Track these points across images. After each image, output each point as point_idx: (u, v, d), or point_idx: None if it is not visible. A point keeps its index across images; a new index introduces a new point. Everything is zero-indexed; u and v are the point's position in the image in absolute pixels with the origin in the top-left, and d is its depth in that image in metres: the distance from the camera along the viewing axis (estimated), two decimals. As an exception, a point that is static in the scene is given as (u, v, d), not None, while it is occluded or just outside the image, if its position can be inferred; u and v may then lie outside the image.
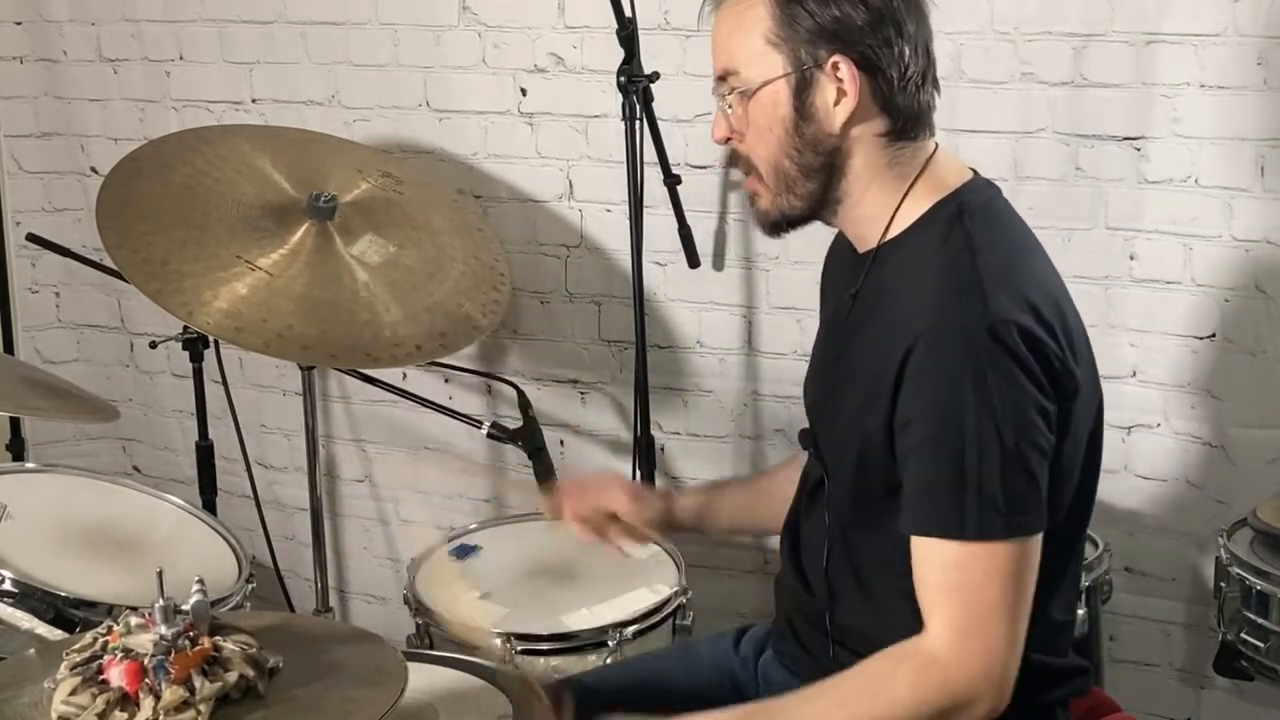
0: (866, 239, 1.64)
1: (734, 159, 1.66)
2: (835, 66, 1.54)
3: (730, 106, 1.61)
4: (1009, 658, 1.48)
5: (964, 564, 1.47)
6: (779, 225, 1.65)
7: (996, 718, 1.50)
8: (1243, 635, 2.17)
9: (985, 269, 1.50)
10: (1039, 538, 1.49)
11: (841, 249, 1.74)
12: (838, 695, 1.53)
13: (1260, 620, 2.14)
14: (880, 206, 1.61)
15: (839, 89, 1.55)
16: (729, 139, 1.64)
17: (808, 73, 1.55)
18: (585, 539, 1.95)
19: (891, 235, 1.60)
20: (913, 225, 1.59)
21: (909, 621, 1.56)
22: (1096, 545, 2.33)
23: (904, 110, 1.57)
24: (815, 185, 1.60)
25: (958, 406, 1.45)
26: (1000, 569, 1.47)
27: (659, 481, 2.73)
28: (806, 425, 1.77)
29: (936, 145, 1.63)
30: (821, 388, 1.72)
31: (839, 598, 1.67)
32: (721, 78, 1.61)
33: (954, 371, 1.46)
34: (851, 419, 1.59)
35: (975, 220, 1.56)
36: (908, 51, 1.55)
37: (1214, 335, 2.46)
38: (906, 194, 1.60)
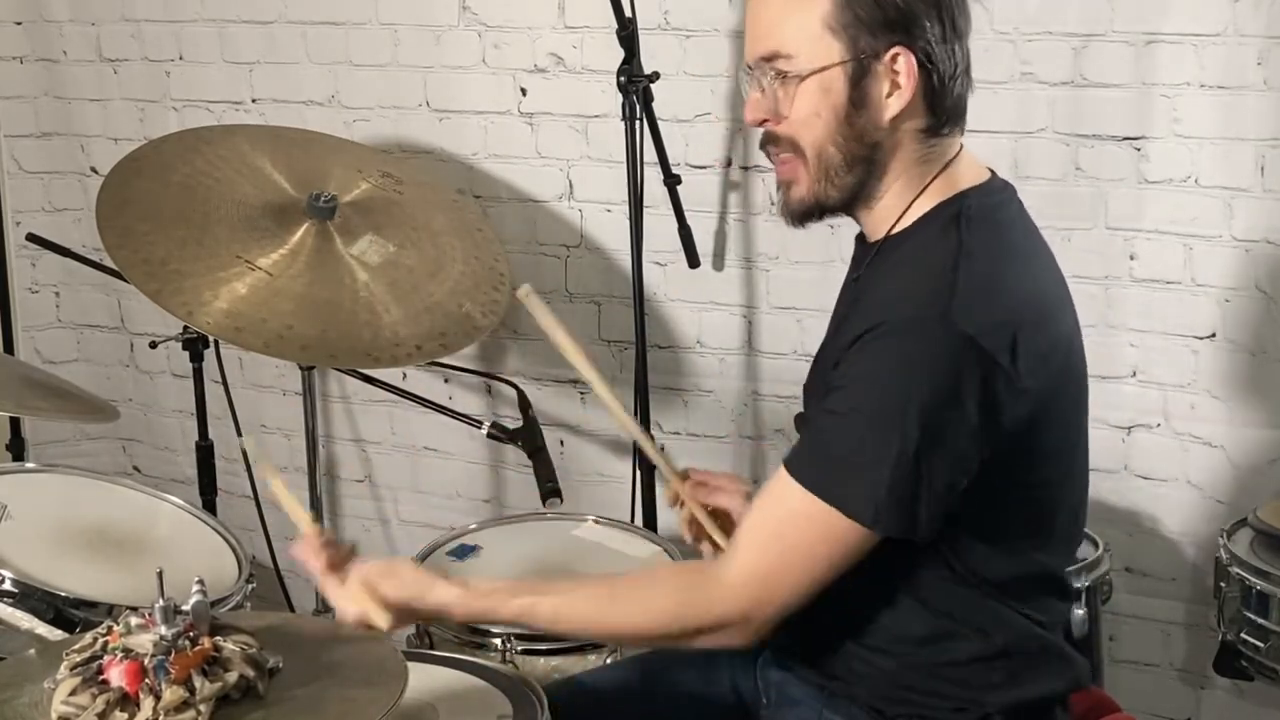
0: (877, 231, 1.63)
1: (769, 139, 1.61)
2: (894, 59, 1.52)
3: (769, 88, 1.56)
4: (775, 615, 1.53)
5: (806, 520, 1.50)
6: (810, 214, 1.62)
7: None
8: (1243, 635, 2.17)
9: (964, 277, 1.49)
10: (874, 542, 1.49)
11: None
12: (610, 587, 1.63)
13: (1260, 620, 2.14)
14: (898, 200, 1.60)
15: (893, 82, 1.53)
16: (764, 121, 1.60)
17: (865, 62, 1.52)
18: (687, 532, 1.89)
19: (898, 230, 1.60)
20: (917, 222, 1.59)
21: (913, 611, 1.58)
22: (1096, 545, 2.33)
23: (947, 107, 1.57)
24: (854, 178, 1.58)
25: (885, 387, 1.46)
26: (831, 543, 1.49)
27: (659, 482, 2.73)
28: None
29: (961, 145, 1.62)
30: (810, 375, 1.74)
31: (841, 592, 1.66)
32: (767, 59, 1.56)
33: (892, 362, 1.46)
34: (817, 404, 1.60)
35: (973, 225, 1.55)
36: (957, 48, 1.55)
37: (1214, 335, 2.46)
38: (923, 190, 1.59)
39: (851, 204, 1.62)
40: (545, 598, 1.61)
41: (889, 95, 1.53)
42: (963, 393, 1.45)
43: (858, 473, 1.47)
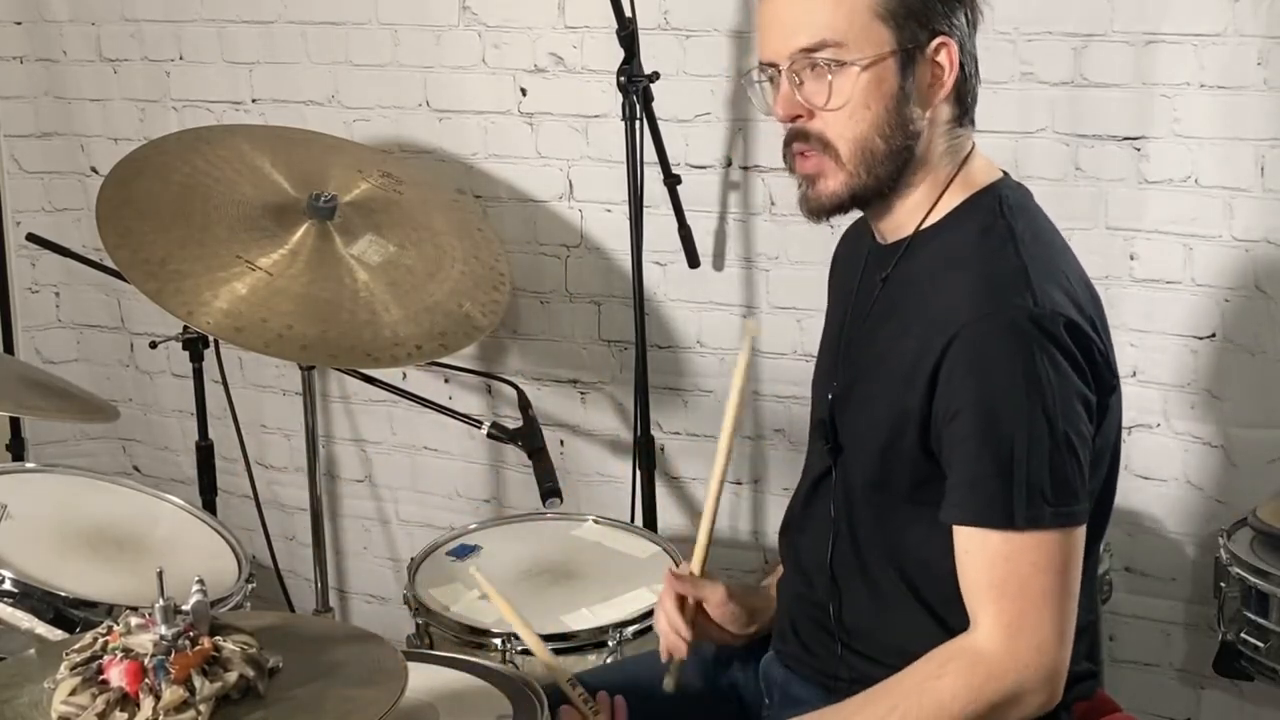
0: (903, 227, 1.62)
1: (797, 135, 1.59)
2: (938, 49, 1.54)
3: (808, 81, 1.54)
4: (1059, 650, 1.47)
5: (1012, 556, 1.46)
6: (840, 207, 1.60)
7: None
8: (1243, 635, 2.17)
9: (1030, 261, 1.50)
10: (1084, 528, 1.49)
11: (858, 237, 1.73)
12: (888, 700, 1.51)
13: (1260, 620, 2.14)
14: (926, 195, 1.60)
15: (934, 72, 1.55)
16: (798, 117, 1.57)
17: (913, 51, 1.53)
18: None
19: (928, 224, 1.60)
20: (949, 215, 1.59)
21: (919, 620, 1.56)
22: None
23: (968, 100, 1.60)
24: (893, 167, 1.57)
25: (1007, 396, 1.45)
26: (1048, 560, 1.46)
27: (659, 482, 2.73)
28: (810, 421, 1.76)
29: (974, 142, 1.64)
30: (842, 377, 1.68)
31: (844, 593, 1.65)
32: (810, 49, 1.53)
33: (1002, 361, 1.46)
34: (881, 409, 1.57)
35: (1015, 214, 1.57)
36: (978, 40, 1.58)
37: (1214, 335, 2.46)
38: (949, 184, 1.60)
39: (884, 195, 1.60)
40: None
41: (931, 86, 1.55)
42: (1075, 370, 1.47)
43: (1028, 483, 1.45)
